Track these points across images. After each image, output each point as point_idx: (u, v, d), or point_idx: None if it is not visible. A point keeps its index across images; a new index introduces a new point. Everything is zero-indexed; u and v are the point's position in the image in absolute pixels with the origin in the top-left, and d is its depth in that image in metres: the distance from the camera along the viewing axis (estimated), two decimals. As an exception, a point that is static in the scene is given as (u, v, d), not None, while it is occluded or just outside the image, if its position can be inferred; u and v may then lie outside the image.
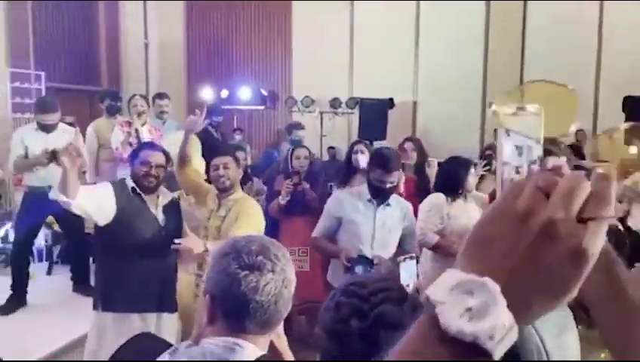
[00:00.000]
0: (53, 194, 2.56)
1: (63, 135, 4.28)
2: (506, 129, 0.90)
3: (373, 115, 7.26)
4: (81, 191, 2.62)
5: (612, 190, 0.44)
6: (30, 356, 3.36)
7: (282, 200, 3.82)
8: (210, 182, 3.21)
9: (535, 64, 7.44)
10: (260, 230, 2.92)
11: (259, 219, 3.03)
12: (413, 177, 4.12)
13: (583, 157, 5.94)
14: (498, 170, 0.89)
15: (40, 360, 3.41)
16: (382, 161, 2.95)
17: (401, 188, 3.85)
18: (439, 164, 3.89)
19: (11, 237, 5.16)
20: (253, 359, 1.10)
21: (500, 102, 0.93)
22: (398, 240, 3.00)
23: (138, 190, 2.86)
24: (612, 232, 1.69)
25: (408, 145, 4.33)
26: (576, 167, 3.33)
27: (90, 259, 4.49)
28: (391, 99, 7.38)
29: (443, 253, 2.97)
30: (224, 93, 8.36)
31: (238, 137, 7.66)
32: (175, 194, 3.14)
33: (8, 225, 5.06)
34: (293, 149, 4.26)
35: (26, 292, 4.30)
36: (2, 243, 5.10)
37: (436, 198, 3.23)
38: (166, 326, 2.89)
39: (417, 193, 3.86)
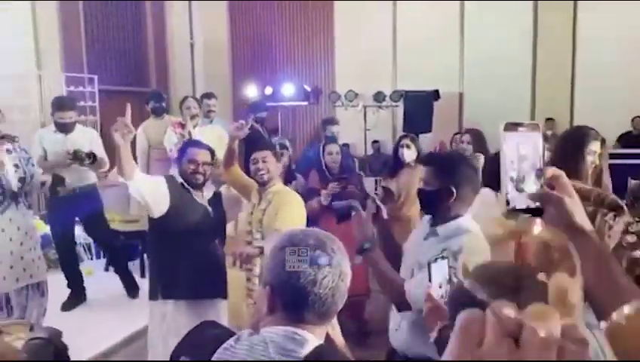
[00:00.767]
0: (112, 176, 2.68)
1: (83, 135, 4.30)
2: (507, 123, 0.89)
3: (418, 108, 7.17)
4: (139, 174, 2.73)
5: None
6: (88, 351, 3.46)
7: (324, 200, 3.86)
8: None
9: (586, 57, 7.23)
10: (301, 220, 3.00)
11: (299, 210, 3.09)
12: None
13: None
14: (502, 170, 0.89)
15: (96, 360, 3.50)
16: None
17: None
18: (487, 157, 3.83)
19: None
20: (312, 348, 1.13)
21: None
22: None
23: (186, 185, 2.97)
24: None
25: (465, 138, 4.23)
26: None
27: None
28: (436, 91, 7.27)
29: None
30: (268, 90, 8.44)
31: (275, 138, 7.66)
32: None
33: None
34: (324, 145, 4.28)
35: (84, 288, 4.43)
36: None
37: (485, 195, 3.16)
38: (221, 311, 2.99)
39: None
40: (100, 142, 4.42)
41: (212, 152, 3.11)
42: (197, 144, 3.13)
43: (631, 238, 1.75)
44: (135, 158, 3.65)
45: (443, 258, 1.50)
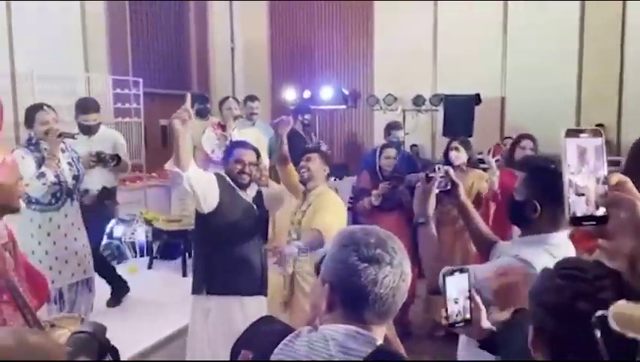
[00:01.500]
0: (168, 165, 2.74)
1: (107, 138, 4.23)
2: (568, 130, 0.88)
3: (459, 112, 7.08)
4: (194, 167, 2.77)
5: None
6: (128, 350, 3.44)
7: (375, 201, 3.90)
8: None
9: (636, 59, 6.98)
10: (340, 222, 3.03)
11: (338, 212, 3.11)
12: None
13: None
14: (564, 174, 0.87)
15: (135, 360, 3.55)
16: None
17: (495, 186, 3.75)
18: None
19: (116, 232, 5.56)
20: (373, 347, 1.13)
21: None
22: None
23: (233, 184, 3.01)
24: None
25: (527, 143, 4.13)
26: None
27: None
28: (477, 95, 7.16)
29: None
30: (306, 94, 8.48)
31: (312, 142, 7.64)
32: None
33: (112, 222, 5.43)
34: (382, 148, 4.29)
35: (124, 281, 4.39)
36: (108, 238, 5.48)
37: None
38: (262, 308, 3.03)
39: None
40: (123, 144, 4.38)
41: (258, 153, 3.15)
42: (244, 145, 3.17)
43: None
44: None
45: (462, 271, 1.44)
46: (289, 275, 3.18)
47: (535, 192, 1.66)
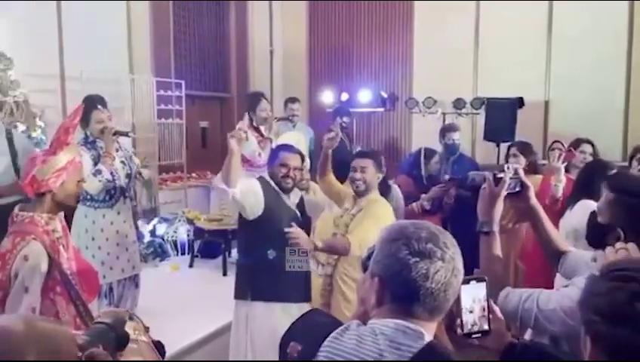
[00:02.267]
0: (216, 182, 2.78)
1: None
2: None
3: (501, 116, 6.93)
4: (240, 183, 2.81)
5: None
6: (173, 345, 3.49)
7: (427, 205, 3.86)
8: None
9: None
10: None
11: (386, 221, 3.04)
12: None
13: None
14: None
15: (174, 360, 3.61)
16: None
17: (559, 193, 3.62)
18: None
19: (159, 230, 5.67)
20: (423, 343, 1.11)
21: None
22: None
23: (277, 188, 3.02)
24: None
25: (586, 148, 3.98)
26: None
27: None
28: (520, 99, 7.00)
29: None
30: (344, 97, 8.47)
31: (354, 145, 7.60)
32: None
33: (155, 220, 5.55)
34: (429, 152, 4.27)
35: None
36: (151, 236, 5.60)
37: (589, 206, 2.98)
38: None
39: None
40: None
41: (302, 157, 3.15)
42: (289, 148, 3.18)
43: None
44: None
45: (479, 280, 1.38)
46: (328, 276, 3.16)
47: (621, 218, 1.54)
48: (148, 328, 2.41)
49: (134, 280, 3.56)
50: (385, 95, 8.44)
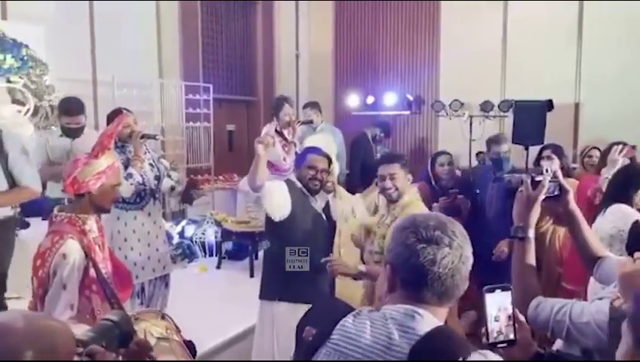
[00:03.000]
0: (242, 186, 2.83)
1: (91, 141, 3.64)
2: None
3: (530, 118, 6.81)
4: (266, 186, 2.84)
5: None
6: (200, 346, 3.59)
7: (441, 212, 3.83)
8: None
9: None
10: None
11: None
12: None
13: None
14: None
15: (205, 360, 3.61)
16: None
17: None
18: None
19: (187, 232, 5.75)
20: (432, 327, 1.14)
21: None
22: None
23: (304, 191, 3.04)
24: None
25: (629, 150, 3.88)
26: None
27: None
28: (550, 101, 6.88)
29: None
30: (370, 100, 8.47)
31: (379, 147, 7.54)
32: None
33: (184, 222, 5.63)
34: (436, 155, 4.23)
35: None
36: (180, 237, 5.68)
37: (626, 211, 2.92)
38: None
39: None
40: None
41: (330, 160, 3.16)
42: (317, 150, 3.18)
43: None
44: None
45: (504, 289, 1.36)
46: (370, 286, 3.13)
47: None
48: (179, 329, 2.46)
49: (165, 280, 3.61)
50: (411, 98, 8.41)
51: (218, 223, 5.64)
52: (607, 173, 3.54)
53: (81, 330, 1.45)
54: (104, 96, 5.90)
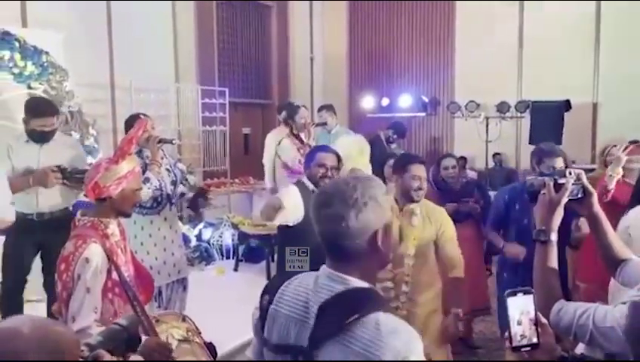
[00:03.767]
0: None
1: (63, 146, 3.51)
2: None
3: (547, 119, 6.77)
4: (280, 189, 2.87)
5: None
6: (220, 349, 3.61)
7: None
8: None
9: None
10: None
11: (450, 223, 3.06)
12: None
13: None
14: None
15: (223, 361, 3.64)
16: None
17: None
18: None
19: (205, 235, 5.80)
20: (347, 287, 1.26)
21: None
22: None
23: (315, 190, 3.04)
24: None
25: (634, 149, 3.82)
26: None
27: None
28: (567, 101, 6.82)
29: None
30: (385, 102, 8.47)
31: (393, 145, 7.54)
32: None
33: (201, 225, 5.67)
34: (441, 158, 4.23)
35: None
36: (197, 240, 5.73)
37: None
38: None
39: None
40: (82, 153, 3.78)
41: (339, 157, 3.17)
42: (325, 148, 3.23)
43: None
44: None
45: (526, 293, 1.34)
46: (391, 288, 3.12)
47: None
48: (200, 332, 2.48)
49: (182, 283, 3.64)
50: (426, 99, 8.39)
51: (235, 226, 5.67)
52: (612, 171, 3.51)
53: None
54: (122, 100, 5.97)
